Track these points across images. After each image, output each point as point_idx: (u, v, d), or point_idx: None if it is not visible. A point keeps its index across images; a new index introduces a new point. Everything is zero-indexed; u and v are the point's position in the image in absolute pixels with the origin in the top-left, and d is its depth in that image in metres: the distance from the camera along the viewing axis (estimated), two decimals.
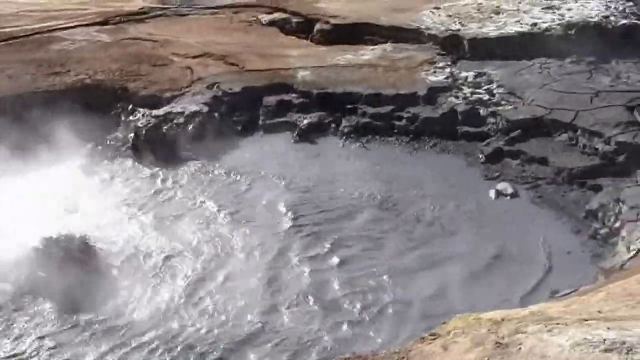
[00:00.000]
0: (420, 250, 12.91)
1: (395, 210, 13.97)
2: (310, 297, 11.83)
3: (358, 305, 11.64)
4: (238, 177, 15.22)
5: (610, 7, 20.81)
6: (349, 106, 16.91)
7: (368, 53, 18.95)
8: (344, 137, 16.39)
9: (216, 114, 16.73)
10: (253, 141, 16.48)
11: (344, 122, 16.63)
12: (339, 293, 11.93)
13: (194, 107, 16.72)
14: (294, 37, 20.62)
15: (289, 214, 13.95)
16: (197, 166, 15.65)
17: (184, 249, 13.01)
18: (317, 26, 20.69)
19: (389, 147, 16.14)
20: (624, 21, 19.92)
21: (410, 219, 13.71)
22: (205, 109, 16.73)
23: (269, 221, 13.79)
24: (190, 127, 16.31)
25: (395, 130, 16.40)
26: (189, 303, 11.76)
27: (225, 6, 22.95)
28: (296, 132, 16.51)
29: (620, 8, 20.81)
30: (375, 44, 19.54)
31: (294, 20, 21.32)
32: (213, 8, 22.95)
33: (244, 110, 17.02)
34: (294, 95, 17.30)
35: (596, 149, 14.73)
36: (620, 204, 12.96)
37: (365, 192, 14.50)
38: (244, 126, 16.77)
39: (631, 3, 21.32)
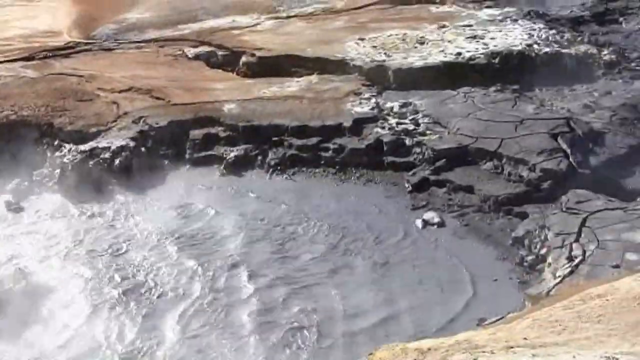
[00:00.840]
0: (345, 280, 12.80)
1: (320, 242, 13.85)
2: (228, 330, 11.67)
3: (275, 336, 11.57)
4: (164, 211, 15.00)
5: (533, 35, 21.09)
6: (275, 138, 16.82)
7: (294, 85, 18.90)
8: (271, 170, 16.28)
9: (143, 149, 16.55)
10: (180, 175, 16.29)
11: (271, 155, 16.53)
12: (260, 326, 11.79)
13: (120, 142, 16.53)
14: (219, 71, 20.52)
15: (214, 246, 13.78)
16: (124, 201, 15.43)
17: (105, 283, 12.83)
18: (243, 59, 20.61)
19: (316, 179, 16.06)
20: (547, 49, 20.18)
21: (335, 250, 13.60)
22: (132, 143, 16.53)
23: (193, 252, 13.62)
24: (116, 162, 16.11)
25: (322, 162, 16.33)
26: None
27: (150, 40, 22.75)
28: (223, 166, 16.38)
29: (544, 36, 21.09)
30: (301, 76, 19.50)
31: (220, 53, 21.21)
32: (139, 42, 22.75)
33: (170, 144, 16.86)
34: (220, 128, 17.17)
35: (521, 176, 14.82)
36: (546, 230, 13.02)
37: (290, 225, 14.35)
38: (170, 160, 16.59)
39: (554, 31, 21.64)
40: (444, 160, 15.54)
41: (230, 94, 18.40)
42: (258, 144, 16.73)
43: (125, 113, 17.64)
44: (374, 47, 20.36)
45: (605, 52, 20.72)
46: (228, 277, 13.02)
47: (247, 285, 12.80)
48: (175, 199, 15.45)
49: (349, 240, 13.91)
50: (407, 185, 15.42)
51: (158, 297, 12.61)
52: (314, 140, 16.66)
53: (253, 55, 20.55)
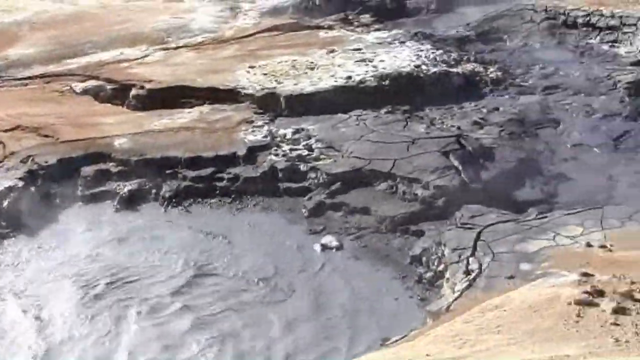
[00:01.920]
0: (246, 308, 12.75)
1: (218, 273, 13.74)
2: None
3: None
4: (55, 252, 14.69)
5: (421, 56, 21.44)
6: (168, 171, 16.66)
7: (185, 116, 18.80)
8: (166, 203, 16.11)
9: (32, 188, 16.17)
10: (72, 213, 15.97)
11: (165, 188, 16.37)
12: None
13: (8, 183, 16.11)
14: (109, 105, 20.20)
15: (108, 284, 13.55)
16: (14, 243, 15.06)
17: None
18: (132, 92, 20.36)
19: (212, 209, 15.95)
20: (435, 69, 20.54)
21: (234, 280, 13.53)
22: (21, 183, 16.14)
23: (84, 292, 13.36)
24: (5, 203, 15.73)
25: (217, 192, 16.24)
26: None
27: (36, 76, 22.32)
28: (117, 201, 16.14)
29: (431, 57, 21.47)
30: (193, 107, 19.39)
31: (108, 87, 20.91)
32: (23, 79, 22.29)
33: (61, 182, 16.51)
34: (112, 163, 16.93)
35: (416, 195, 15.01)
36: (443, 247, 13.20)
37: (189, 258, 14.22)
38: (62, 199, 16.26)
39: (441, 51, 22.04)
40: (339, 183, 15.64)
41: (121, 128, 18.17)
42: (152, 178, 16.54)
43: (12, 153, 17.21)
44: (265, 74, 20.40)
45: (491, 69, 21.23)
46: (128, 315, 12.82)
47: (149, 317, 12.66)
48: (67, 239, 15.12)
49: (247, 269, 13.81)
50: (303, 210, 15.45)
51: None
52: (208, 170, 16.57)
53: (142, 87, 20.35)
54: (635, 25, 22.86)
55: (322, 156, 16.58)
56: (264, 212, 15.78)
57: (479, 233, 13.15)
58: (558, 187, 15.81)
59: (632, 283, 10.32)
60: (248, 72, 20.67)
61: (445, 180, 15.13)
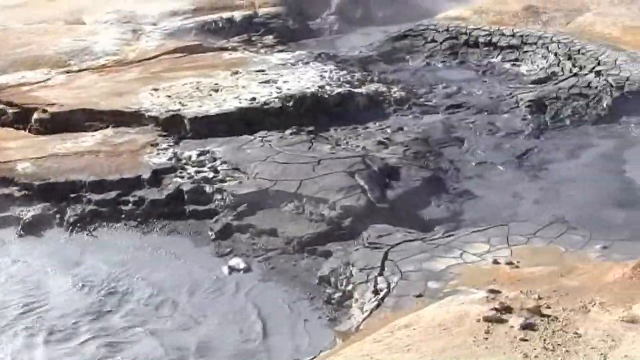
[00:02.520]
0: (159, 332, 12.53)
1: (125, 299, 13.49)
2: None
3: None
4: None
5: (325, 77, 21.51)
6: (73, 195, 16.36)
7: (89, 139, 18.47)
8: (70, 227, 15.80)
9: None
10: None
11: (69, 212, 16.06)
12: None
13: None
14: (11, 129, 19.76)
15: (13, 311, 13.17)
16: None
17: None
18: (35, 116, 19.91)
19: (118, 233, 15.69)
20: (339, 90, 20.62)
21: (141, 305, 13.30)
22: None
23: None
24: None
25: (123, 216, 15.99)
26: None
27: None
28: (20, 226, 15.77)
29: (335, 77, 21.57)
30: (96, 130, 19.07)
31: (10, 111, 20.41)
32: None
33: None
34: (15, 188, 16.53)
35: (322, 215, 14.98)
36: (351, 266, 13.16)
37: (95, 283, 13.94)
38: None
39: (345, 72, 22.17)
40: (245, 205, 15.52)
41: (24, 153, 17.78)
42: (56, 202, 16.21)
43: None
44: (169, 96, 20.19)
45: (395, 89, 21.40)
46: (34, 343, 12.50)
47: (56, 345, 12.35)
48: None
49: (154, 293, 13.59)
50: (210, 232, 15.31)
51: None
52: (112, 194, 16.30)
53: (45, 111, 19.92)
54: (535, 43, 23.34)
55: (227, 178, 16.45)
56: (170, 235, 15.58)
57: (387, 252, 13.14)
58: (464, 204, 15.98)
59: (539, 299, 10.44)
60: (152, 94, 20.44)
61: (351, 200, 15.13)
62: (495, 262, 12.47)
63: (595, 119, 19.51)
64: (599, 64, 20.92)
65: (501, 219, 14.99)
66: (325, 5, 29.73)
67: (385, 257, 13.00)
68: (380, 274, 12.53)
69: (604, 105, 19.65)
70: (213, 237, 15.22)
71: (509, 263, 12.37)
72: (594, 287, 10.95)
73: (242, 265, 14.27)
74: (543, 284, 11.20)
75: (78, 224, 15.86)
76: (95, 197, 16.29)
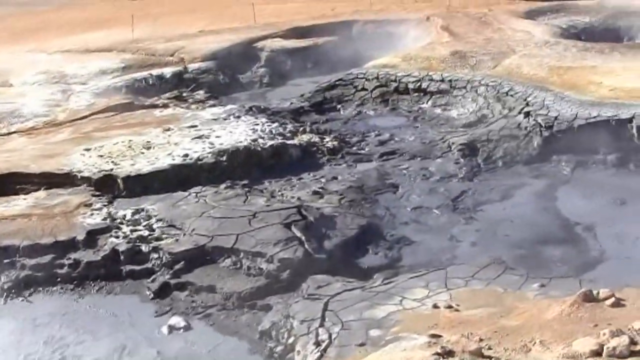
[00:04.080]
0: None
1: None
2: None
3: None
4: None
5: (257, 130, 21.52)
6: (6, 261, 16.02)
7: (20, 203, 18.18)
8: (5, 294, 15.49)
9: None
10: None
11: (3, 278, 15.74)
12: None
13: None
14: None
15: None
16: None
17: None
18: None
19: (54, 298, 15.41)
20: (272, 142, 20.64)
21: None
22: None
23: None
24: None
25: (59, 279, 15.70)
26: None
27: None
28: None
29: (267, 130, 21.58)
30: (28, 193, 18.79)
31: None
32: None
33: None
34: None
35: (261, 269, 14.91)
36: (291, 319, 13.06)
37: (31, 351, 13.64)
38: None
39: (277, 124, 22.20)
40: (182, 262, 15.39)
41: None
42: None
43: None
44: (101, 156, 20.01)
45: (328, 139, 21.50)
46: None
47: None
48: None
49: (93, 358, 13.37)
50: (148, 292, 15.12)
51: None
52: (47, 258, 16.00)
53: None
54: (464, 87, 23.63)
55: (164, 235, 16.31)
56: (108, 296, 15.35)
57: (327, 303, 13.08)
58: (401, 250, 16.02)
59: (481, 340, 10.45)
60: (84, 154, 20.23)
61: (289, 253, 15.08)
62: (435, 306, 12.47)
63: (526, 159, 19.78)
64: (527, 105, 21.21)
65: (439, 263, 15.07)
66: (255, 59, 29.84)
67: (325, 308, 12.93)
68: (322, 325, 12.44)
69: (535, 145, 19.92)
70: (151, 296, 15.03)
71: (449, 307, 12.39)
72: (534, 326, 11.00)
73: (182, 324, 14.08)
74: (483, 326, 11.22)
75: (13, 290, 15.55)
76: (30, 261, 15.98)
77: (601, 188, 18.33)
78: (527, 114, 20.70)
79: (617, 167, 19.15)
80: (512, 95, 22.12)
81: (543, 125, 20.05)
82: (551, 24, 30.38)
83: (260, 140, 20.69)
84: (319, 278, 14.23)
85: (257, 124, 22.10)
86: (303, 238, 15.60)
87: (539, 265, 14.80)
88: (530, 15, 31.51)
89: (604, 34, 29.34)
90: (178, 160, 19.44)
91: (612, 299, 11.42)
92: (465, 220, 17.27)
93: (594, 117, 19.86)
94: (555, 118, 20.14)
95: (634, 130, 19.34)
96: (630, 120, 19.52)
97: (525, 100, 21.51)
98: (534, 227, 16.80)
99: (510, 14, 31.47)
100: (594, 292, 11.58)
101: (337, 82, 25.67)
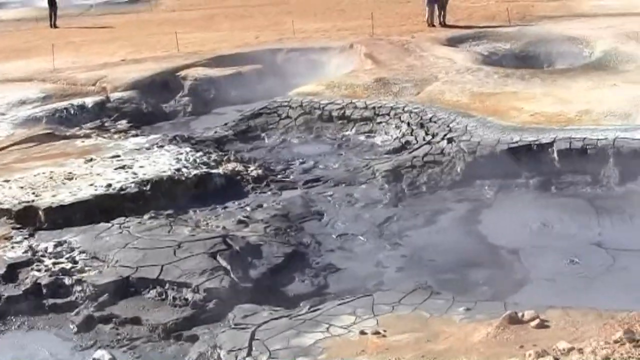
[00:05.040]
0: None
1: None
2: None
3: None
4: None
5: (181, 159, 21.35)
6: None
7: None
8: None
9: None
10: None
11: None
12: None
13: None
14: None
15: None
16: None
17: None
18: None
19: None
20: (195, 171, 20.49)
21: None
22: None
23: None
24: None
25: None
26: None
27: None
28: None
29: (191, 159, 21.42)
30: None
31: None
32: None
33: None
34: None
35: (186, 300, 14.76)
36: (218, 349, 12.95)
37: None
38: None
39: (201, 153, 22.07)
40: (106, 295, 15.14)
41: None
42: None
43: None
44: (21, 187, 19.64)
45: (252, 167, 21.43)
46: None
47: None
48: None
49: None
50: (72, 326, 14.83)
51: None
52: None
53: None
54: (388, 114, 23.73)
55: (87, 268, 16.04)
56: (30, 332, 15.02)
57: (254, 332, 13.00)
58: (328, 278, 16.01)
59: None
60: (3, 186, 19.84)
61: (214, 282, 14.95)
62: (362, 332, 12.47)
63: (450, 184, 19.92)
64: (450, 130, 21.40)
65: (366, 289, 15.10)
66: (179, 88, 29.69)
67: (252, 337, 12.84)
68: (249, 354, 12.37)
69: (458, 170, 20.09)
70: (75, 330, 14.74)
71: (376, 333, 12.40)
72: (461, 349, 11.08)
73: (106, 357, 13.75)
74: (410, 351, 11.26)
75: None
76: None
77: (524, 211, 18.54)
78: (450, 140, 20.88)
79: (539, 190, 19.38)
80: (435, 122, 22.28)
81: (466, 150, 20.24)
82: (473, 50, 30.75)
83: (184, 170, 20.53)
84: (246, 307, 14.13)
85: (181, 153, 21.93)
86: (229, 267, 15.49)
87: (464, 289, 14.92)
88: (452, 42, 31.86)
89: (524, 61, 29.78)
90: (101, 191, 19.17)
91: (537, 320, 11.57)
92: (391, 246, 17.32)
93: (516, 141, 20.11)
94: (478, 143, 20.34)
95: (555, 154, 19.63)
96: (551, 144, 19.81)
97: (448, 126, 21.69)
98: (459, 252, 16.93)
99: (432, 41, 31.80)
100: (519, 314, 11.73)
101: (261, 111, 25.61)
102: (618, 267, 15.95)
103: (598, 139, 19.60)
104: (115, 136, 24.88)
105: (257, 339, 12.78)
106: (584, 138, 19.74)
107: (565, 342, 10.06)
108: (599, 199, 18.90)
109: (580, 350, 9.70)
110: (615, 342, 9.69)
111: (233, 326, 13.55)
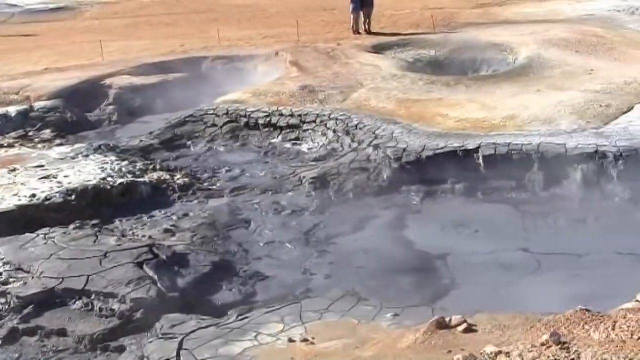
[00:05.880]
0: None
1: None
2: None
3: None
4: None
5: (106, 169, 21.13)
6: None
7: None
8: None
9: None
10: None
11: None
12: None
13: None
14: None
15: None
16: None
17: None
18: None
19: None
20: (121, 180, 20.30)
21: None
22: None
23: None
24: None
25: None
26: None
27: None
28: None
29: (117, 168, 21.21)
30: None
31: None
32: None
33: None
34: None
35: (113, 310, 14.61)
36: (146, 359, 12.88)
37: None
38: None
39: (126, 162, 21.85)
40: (31, 306, 14.92)
41: None
42: None
43: None
44: None
45: (178, 176, 21.27)
46: None
47: None
48: None
49: None
50: None
51: None
52: None
53: None
54: (314, 122, 23.77)
55: (11, 279, 15.79)
56: None
57: (182, 342, 12.98)
58: (255, 286, 15.96)
59: None
60: None
61: (141, 292, 14.85)
62: (291, 340, 12.51)
63: (377, 191, 19.99)
64: (376, 137, 21.51)
65: (294, 297, 15.12)
66: (104, 97, 29.35)
67: (180, 347, 12.83)
68: None
69: (384, 177, 20.20)
70: (0, 343, 14.49)
71: (305, 340, 12.45)
72: (389, 355, 11.15)
73: None
74: (339, 358, 11.32)
75: None
76: None
77: (450, 217, 18.72)
78: (377, 147, 20.99)
79: (465, 196, 19.56)
80: (361, 129, 22.37)
81: (392, 157, 20.37)
82: (398, 58, 30.90)
83: (110, 179, 20.33)
84: (173, 317, 14.09)
85: (107, 163, 21.70)
86: (155, 277, 15.39)
87: (392, 296, 14.98)
88: (378, 49, 32.00)
89: (449, 67, 30.04)
90: (25, 201, 18.91)
91: (464, 325, 11.68)
92: (319, 254, 17.34)
93: (442, 148, 20.30)
94: (404, 150, 20.48)
95: (481, 160, 19.85)
96: (476, 150, 20.04)
97: (374, 133, 21.80)
98: (387, 258, 17.00)
99: (358, 48, 31.92)
100: (447, 320, 11.84)
101: (187, 119, 25.45)
102: (544, 271, 16.19)
103: (523, 145, 19.88)
104: (40, 146, 24.53)
105: (185, 349, 12.76)
106: (509, 144, 20.00)
107: (492, 346, 10.18)
108: (524, 203, 19.15)
109: (508, 354, 9.82)
110: (542, 345, 9.83)
111: (161, 336, 13.51)
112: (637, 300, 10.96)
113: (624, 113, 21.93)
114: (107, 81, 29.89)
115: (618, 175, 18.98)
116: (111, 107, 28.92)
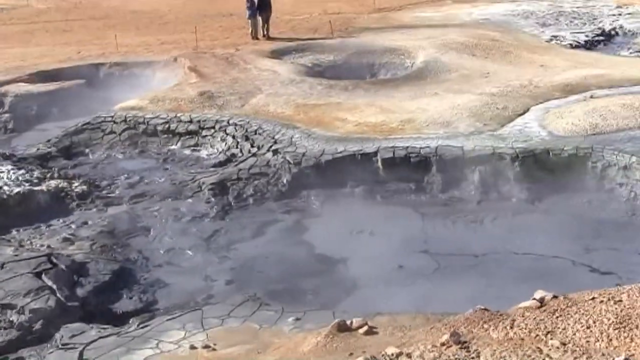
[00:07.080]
0: None
1: None
2: None
3: None
4: None
5: (2, 177, 20.79)
6: None
7: None
8: None
9: None
10: None
11: None
12: None
13: None
14: None
15: None
16: None
17: None
18: None
19: None
20: (18, 189, 20.00)
21: None
22: None
23: None
24: None
25: None
26: None
27: None
28: None
29: (13, 177, 20.89)
30: None
31: None
32: None
33: None
34: None
35: (11, 321, 14.39)
36: None
37: None
38: None
39: (23, 170, 21.52)
40: None
41: None
42: None
43: None
44: None
45: (76, 184, 21.00)
46: None
47: None
48: None
49: None
50: None
51: None
52: None
53: None
54: (213, 127, 23.72)
55: None
56: None
57: (82, 351, 12.86)
58: (156, 293, 15.90)
59: None
60: None
61: (40, 303, 14.65)
62: (193, 347, 12.51)
63: (276, 195, 20.07)
64: (275, 142, 21.59)
65: (195, 303, 15.10)
66: None
67: (81, 357, 12.74)
68: None
69: (284, 181, 20.29)
70: None
71: (206, 347, 12.45)
72: (291, 359, 11.20)
73: None
74: None
75: None
76: None
77: (350, 220, 18.87)
78: (276, 152, 21.07)
79: (364, 199, 19.75)
80: (260, 134, 22.42)
81: (291, 161, 20.47)
82: (297, 62, 31.06)
83: (6, 188, 19.99)
84: (73, 326, 13.95)
85: (2, 171, 21.31)
86: (54, 287, 15.21)
87: (293, 300, 15.10)
88: (276, 54, 32.11)
89: (348, 72, 30.23)
90: None
91: (365, 327, 11.81)
92: (219, 259, 17.35)
93: (340, 152, 20.48)
94: (303, 154, 20.59)
95: (379, 163, 20.08)
96: (375, 153, 20.25)
97: (273, 138, 21.87)
98: (288, 262, 17.10)
99: (256, 53, 31.96)
100: (348, 322, 11.94)
101: (84, 126, 25.11)
102: (443, 271, 16.48)
103: (421, 147, 20.19)
104: None
105: (86, 359, 12.62)
106: (407, 147, 20.28)
107: (393, 348, 10.31)
108: (423, 205, 19.45)
109: (409, 355, 9.95)
110: (442, 345, 9.98)
111: (61, 346, 13.37)
112: (534, 299, 11.18)
113: (520, 115, 22.45)
114: (3, 88, 29.30)
115: (515, 177, 19.40)
116: (7, 114, 28.36)
